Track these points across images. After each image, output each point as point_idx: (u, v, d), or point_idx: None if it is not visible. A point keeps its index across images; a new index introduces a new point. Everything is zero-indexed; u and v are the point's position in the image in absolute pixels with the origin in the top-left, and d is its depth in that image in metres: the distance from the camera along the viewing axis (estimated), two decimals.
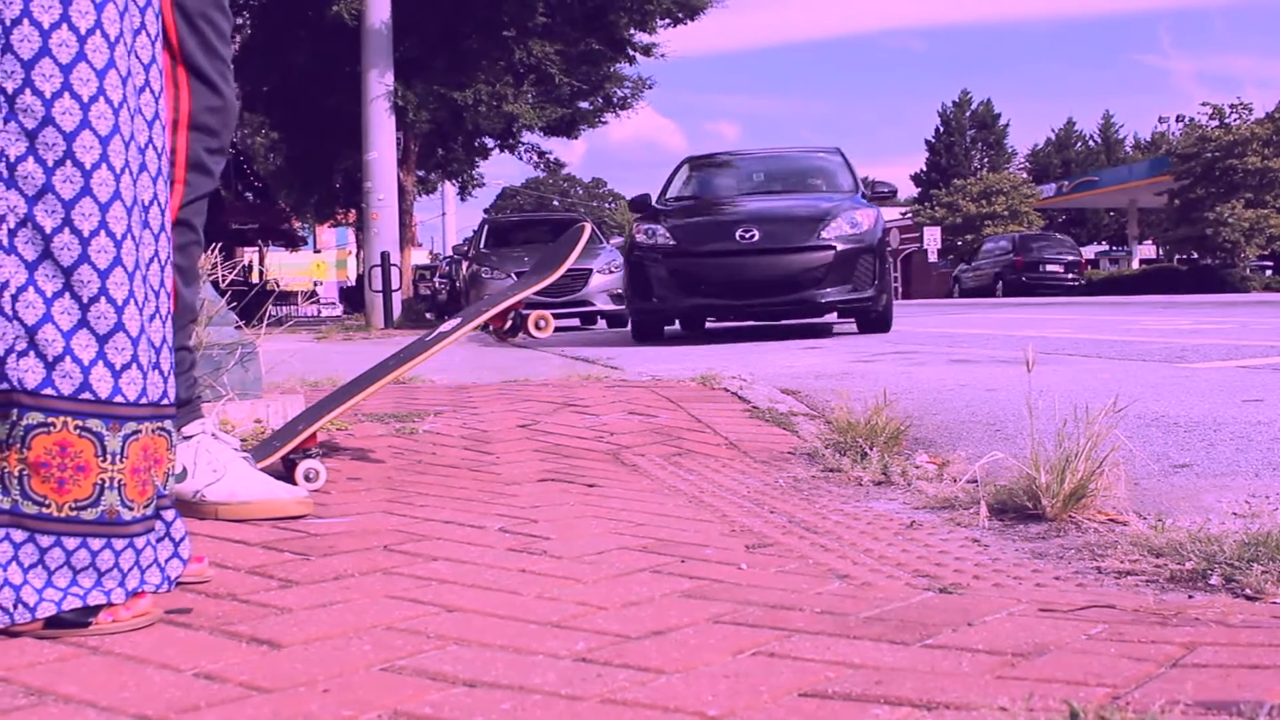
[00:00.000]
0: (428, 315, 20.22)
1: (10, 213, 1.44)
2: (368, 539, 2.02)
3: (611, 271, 15.93)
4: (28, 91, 1.44)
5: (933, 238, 46.49)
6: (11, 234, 1.44)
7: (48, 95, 1.45)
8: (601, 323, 16.26)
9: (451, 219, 55.45)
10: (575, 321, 16.59)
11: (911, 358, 6.86)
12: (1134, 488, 2.38)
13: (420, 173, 26.37)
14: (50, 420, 1.45)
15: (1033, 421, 2.30)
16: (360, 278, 21.81)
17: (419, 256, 43.03)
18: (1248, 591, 1.67)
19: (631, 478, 2.77)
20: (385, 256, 16.78)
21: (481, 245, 17.76)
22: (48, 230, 1.45)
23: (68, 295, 1.46)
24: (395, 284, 16.88)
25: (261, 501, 2.23)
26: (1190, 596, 1.69)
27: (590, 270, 15.71)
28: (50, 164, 1.45)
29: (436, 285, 29.15)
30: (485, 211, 71.41)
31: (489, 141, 24.83)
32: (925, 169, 64.59)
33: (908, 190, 65.97)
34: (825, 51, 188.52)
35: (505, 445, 3.12)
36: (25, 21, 1.45)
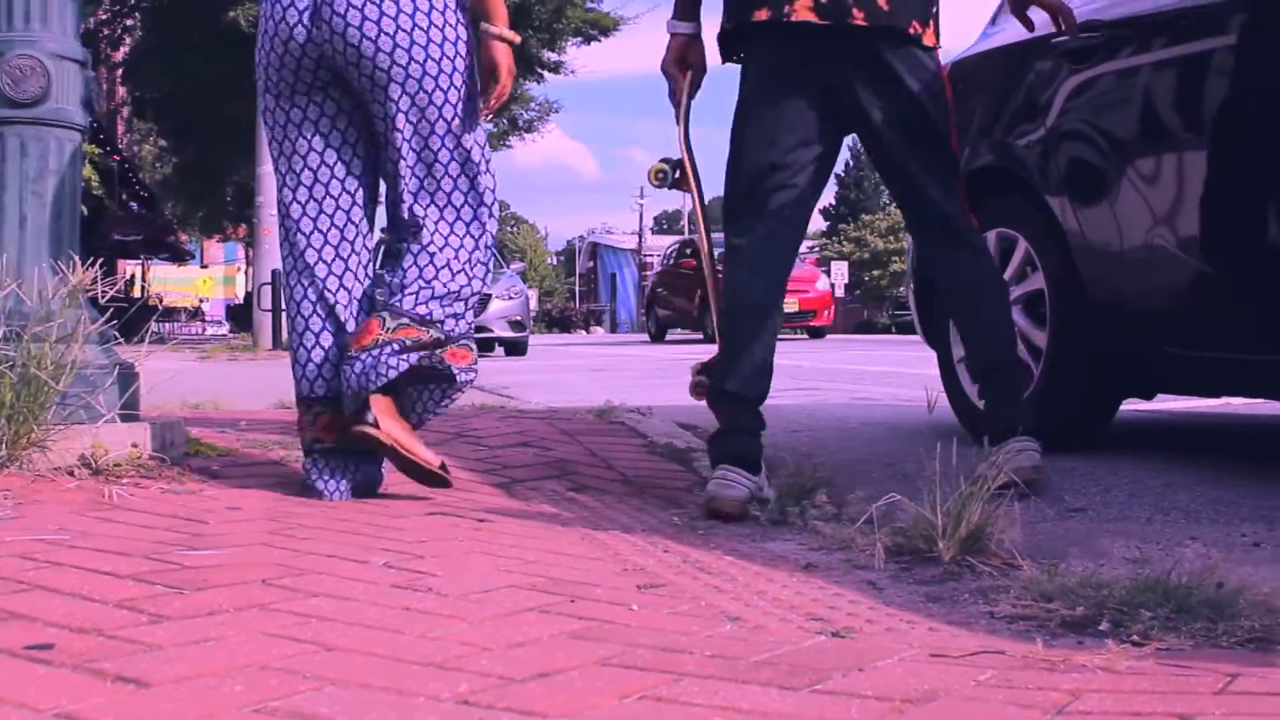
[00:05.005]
0: None
1: None
2: (245, 572, 1.95)
3: (511, 297, 15.80)
4: None
5: (840, 273, 47.17)
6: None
7: None
8: (499, 350, 16.15)
9: None
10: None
11: (813, 394, 6.91)
12: (1030, 531, 2.40)
13: None
14: None
15: (932, 464, 2.30)
16: (249, 295, 21.45)
17: None
18: (1135, 637, 1.68)
19: (524, 513, 2.73)
20: (276, 274, 16.45)
21: (377, 266, 17.52)
22: None
23: None
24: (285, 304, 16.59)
25: None
26: (1080, 642, 1.69)
27: (489, 296, 15.56)
28: None
29: None
30: (383, 231, 70.63)
31: None
32: (835, 203, 65.40)
33: (816, 224, 66.69)
34: (734, 79, 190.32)
35: (394, 476, 3.05)
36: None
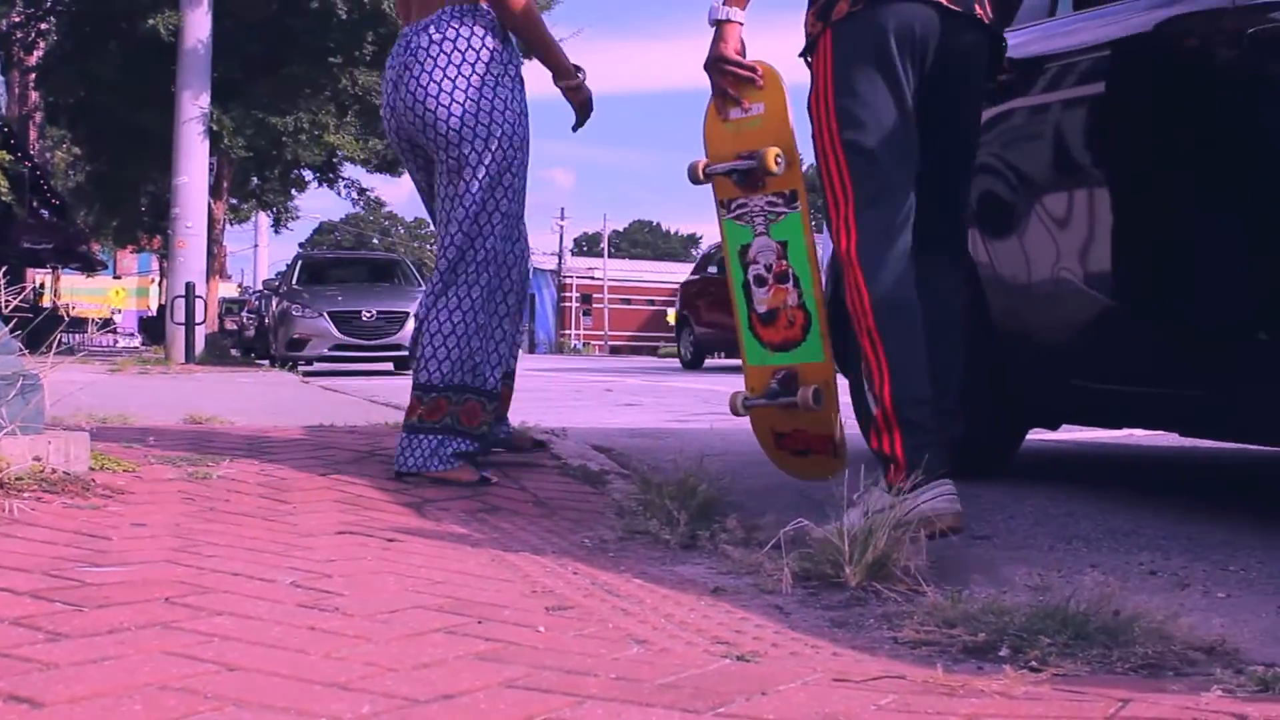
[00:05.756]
0: (233, 352, 19.66)
1: None
2: (149, 590, 1.93)
3: None
4: None
5: None
6: None
7: None
8: None
9: (264, 251, 54.35)
10: (389, 366, 16.34)
11: (728, 419, 6.93)
12: (935, 557, 2.43)
13: (233, 201, 25.70)
14: None
15: (841, 490, 2.33)
16: (162, 308, 21.08)
17: (227, 289, 41.79)
18: (1033, 663, 1.71)
19: (434, 533, 2.71)
20: (190, 287, 16.21)
21: (294, 281, 17.32)
22: None
23: None
24: (199, 317, 16.32)
25: None
26: (980, 668, 1.72)
27: (407, 313, 15.43)
28: None
29: (244, 320, 28.51)
30: (300, 246, 70.24)
31: (307, 174, 24.36)
32: None
33: None
34: (659, 104, 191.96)
35: (303, 494, 3.03)
36: None
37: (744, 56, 2.97)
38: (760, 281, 3.13)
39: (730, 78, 2.98)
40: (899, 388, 2.68)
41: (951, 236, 3.02)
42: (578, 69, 3.56)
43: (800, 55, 2.97)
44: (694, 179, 3.10)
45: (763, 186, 3.03)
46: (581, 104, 3.56)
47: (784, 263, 3.08)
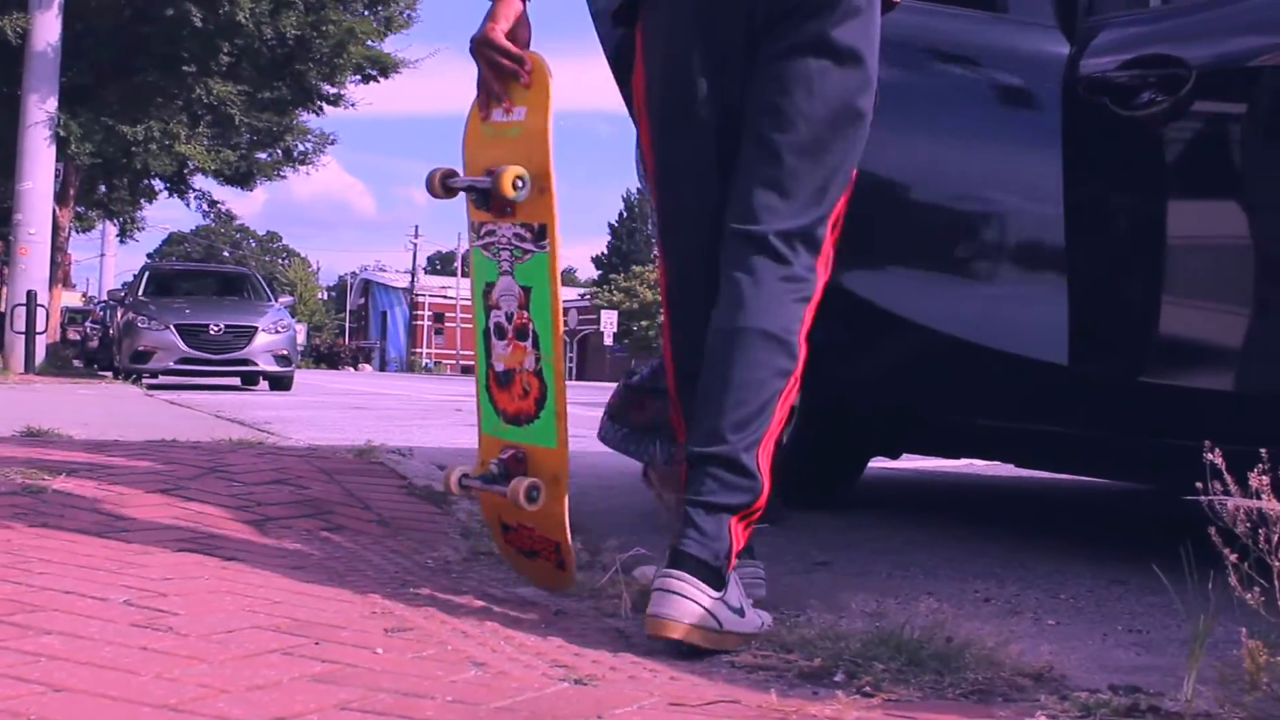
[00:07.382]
0: (75, 363, 19.08)
1: None
2: None
3: (278, 331, 15.46)
4: None
5: (609, 321, 47.60)
6: None
7: None
8: (263, 384, 15.74)
9: (111, 261, 52.80)
10: (236, 381, 16.02)
11: (574, 441, 6.93)
12: (776, 583, 2.47)
13: (80, 209, 24.92)
14: None
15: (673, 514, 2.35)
16: (1, 316, 20.33)
17: (71, 298, 40.44)
18: (866, 689, 1.75)
19: (275, 552, 2.66)
20: (31, 295, 15.70)
21: (140, 292, 16.90)
22: None
23: None
24: (41, 326, 15.80)
25: None
26: (815, 693, 1.75)
27: (255, 328, 15.20)
28: None
29: (88, 331, 27.68)
30: (149, 256, 68.55)
31: (157, 184, 23.76)
32: (606, 252, 66.03)
33: (588, 272, 67.16)
34: None
35: (142, 510, 2.95)
36: None
37: (527, 45, 2.36)
38: (500, 332, 2.46)
39: (494, 68, 2.34)
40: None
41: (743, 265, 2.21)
42: None
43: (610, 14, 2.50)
44: (431, 192, 2.42)
45: (510, 213, 2.38)
46: None
47: (525, 314, 2.42)
